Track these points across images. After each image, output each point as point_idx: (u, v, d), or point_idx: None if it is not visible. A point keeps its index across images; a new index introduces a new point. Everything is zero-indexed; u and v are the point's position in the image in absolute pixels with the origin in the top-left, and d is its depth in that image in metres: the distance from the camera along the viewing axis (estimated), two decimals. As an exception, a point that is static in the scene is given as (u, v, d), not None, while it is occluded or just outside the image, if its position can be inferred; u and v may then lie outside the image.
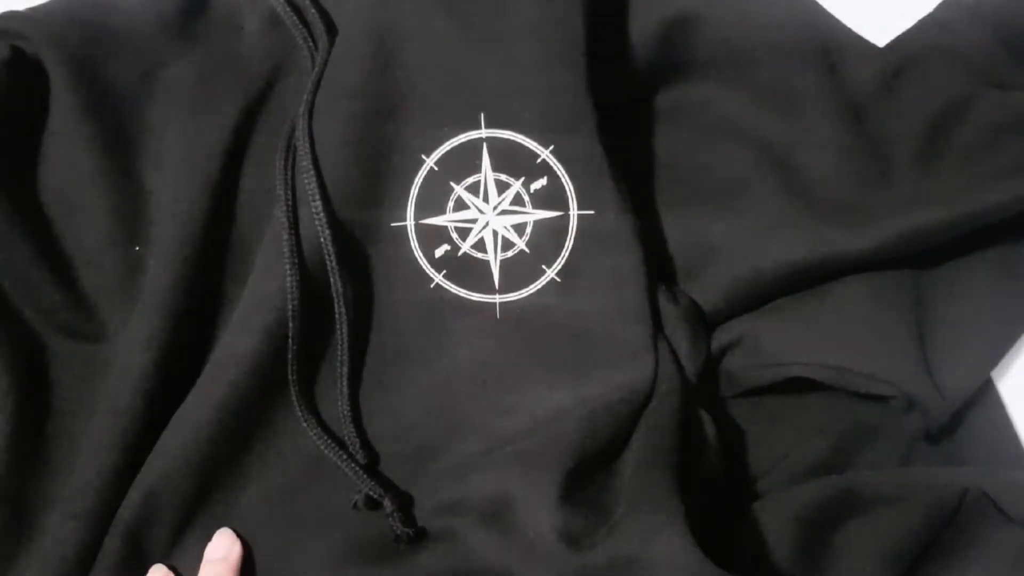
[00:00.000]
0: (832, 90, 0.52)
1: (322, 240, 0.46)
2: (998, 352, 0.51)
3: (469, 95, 0.47)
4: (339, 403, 0.47)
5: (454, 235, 0.48)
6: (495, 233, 0.48)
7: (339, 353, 0.47)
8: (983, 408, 0.51)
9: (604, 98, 0.48)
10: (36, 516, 0.45)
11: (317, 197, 0.45)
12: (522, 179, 0.47)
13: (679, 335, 0.48)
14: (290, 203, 0.46)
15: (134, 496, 0.44)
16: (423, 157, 0.47)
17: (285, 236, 0.45)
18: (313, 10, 0.48)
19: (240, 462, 0.46)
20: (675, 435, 0.45)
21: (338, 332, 0.46)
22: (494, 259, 0.48)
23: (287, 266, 0.45)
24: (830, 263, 0.49)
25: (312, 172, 0.46)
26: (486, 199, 0.48)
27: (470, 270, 0.47)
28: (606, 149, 0.47)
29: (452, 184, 0.47)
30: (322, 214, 0.45)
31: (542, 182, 0.47)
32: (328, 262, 0.46)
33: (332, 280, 0.46)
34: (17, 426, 0.46)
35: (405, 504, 0.46)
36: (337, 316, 0.46)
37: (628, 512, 0.43)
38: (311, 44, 0.49)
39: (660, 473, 0.43)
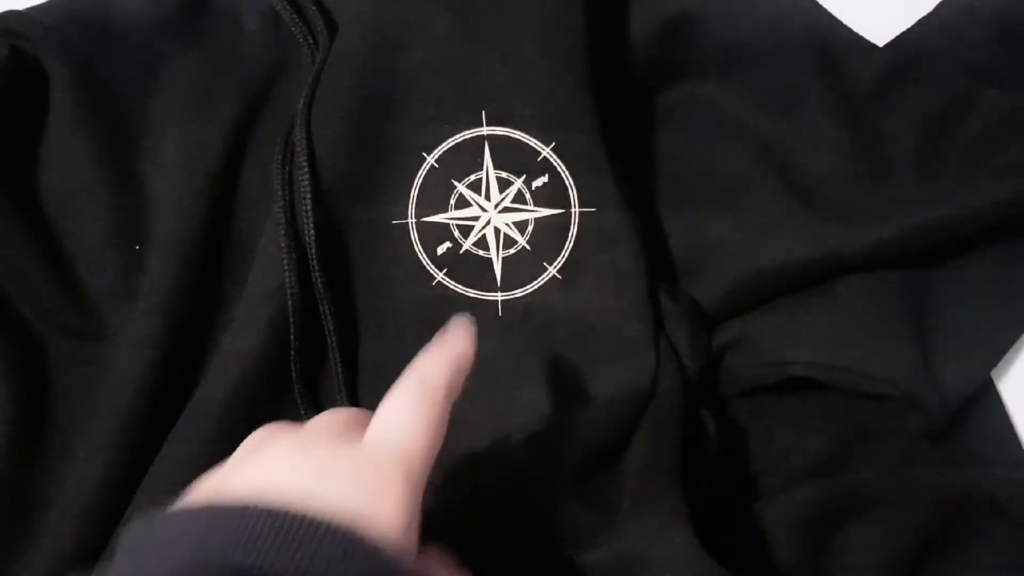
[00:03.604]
0: (832, 90, 0.52)
1: (308, 238, 0.46)
2: (998, 352, 0.51)
3: (470, 93, 0.47)
4: (338, 400, 0.47)
5: (456, 233, 0.48)
6: (497, 231, 0.48)
7: (330, 352, 0.47)
8: (983, 408, 0.51)
9: (605, 97, 0.48)
10: (36, 515, 0.45)
11: (308, 193, 0.45)
12: (523, 177, 0.47)
13: (680, 333, 0.48)
14: (287, 199, 0.46)
15: (141, 499, 0.44)
16: (424, 155, 0.47)
17: (282, 232, 0.45)
18: (313, 8, 0.49)
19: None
20: (677, 434, 0.45)
21: (327, 330, 0.47)
22: (496, 257, 0.48)
23: (285, 263, 0.45)
24: (830, 262, 0.49)
25: (307, 168, 0.46)
26: (488, 197, 0.48)
27: (472, 268, 0.47)
28: (607, 147, 0.47)
29: (453, 182, 0.48)
30: (310, 211, 0.45)
31: (543, 179, 0.47)
32: (311, 260, 0.46)
33: (315, 278, 0.46)
34: (17, 426, 0.46)
35: None
36: (322, 313, 0.46)
37: (631, 511, 0.43)
38: (311, 42, 0.49)
39: (662, 472, 0.43)
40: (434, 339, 0.38)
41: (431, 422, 0.35)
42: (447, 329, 0.39)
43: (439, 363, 0.37)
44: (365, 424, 0.35)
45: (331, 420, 0.37)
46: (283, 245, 0.45)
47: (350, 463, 0.32)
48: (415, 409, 0.35)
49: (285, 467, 0.32)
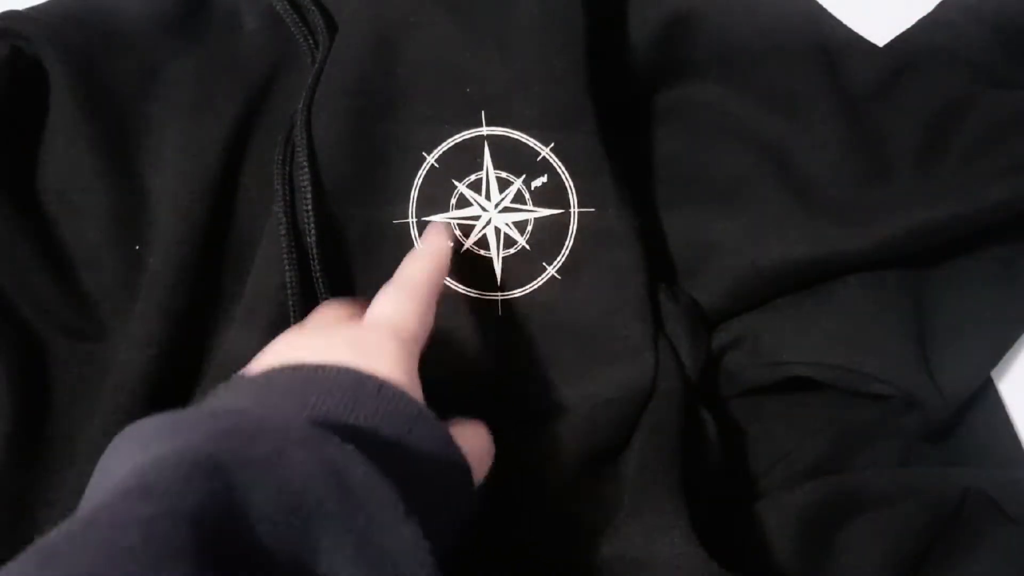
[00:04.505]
0: (832, 90, 0.52)
1: (309, 238, 0.46)
2: (998, 352, 0.51)
3: (470, 93, 0.47)
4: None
5: (457, 232, 0.48)
6: (497, 230, 0.48)
7: None
8: (983, 408, 0.51)
9: (604, 97, 0.48)
10: (36, 515, 0.45)
11: (309, 193, 0.45)
12: (523, 177, 0.47)
13: (679, 333, 0.48)
14: (287, 199, 0.46)
15: None
16: (424, 155, 0.47)
17: (283, 231, 0.45)
18: (313, 8, 0.48)
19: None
20: (676, 434, 0.45)
21: None
22: (496, 256, 0.48)
23: (286, 262, 0.45)
24: (830, 262, 0.49)
25: (307, 169, 0.46)
26: (488, 196, 0.48)
27: (472, 267, 0.47)
28: (606, 147, 0.47)
29: (454, 182, 0.48)
30: (311, 211, 0.45)
31: (543, 180, 0.47)
32: (312, 261, 0.46)
33: (316, 278, 0.46)
34: (17, 426, 0.46)
35: None
36: None
37: (631, 512, 0.43)
38: (311, 42, 0.49)
39: (662, 473, 0.43)
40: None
41: (419, 308, 0.40)
42: (425, 233, 0.46)
43: (420, 263, 0.43)
44: (361, 314, 0.40)
45: (330, 309, 0.43)
46: (284, 245, 0.45)
47: (346, 334, 0.37)
48: (404, 299, 0.40)
49: (288, 348, 0.37)
